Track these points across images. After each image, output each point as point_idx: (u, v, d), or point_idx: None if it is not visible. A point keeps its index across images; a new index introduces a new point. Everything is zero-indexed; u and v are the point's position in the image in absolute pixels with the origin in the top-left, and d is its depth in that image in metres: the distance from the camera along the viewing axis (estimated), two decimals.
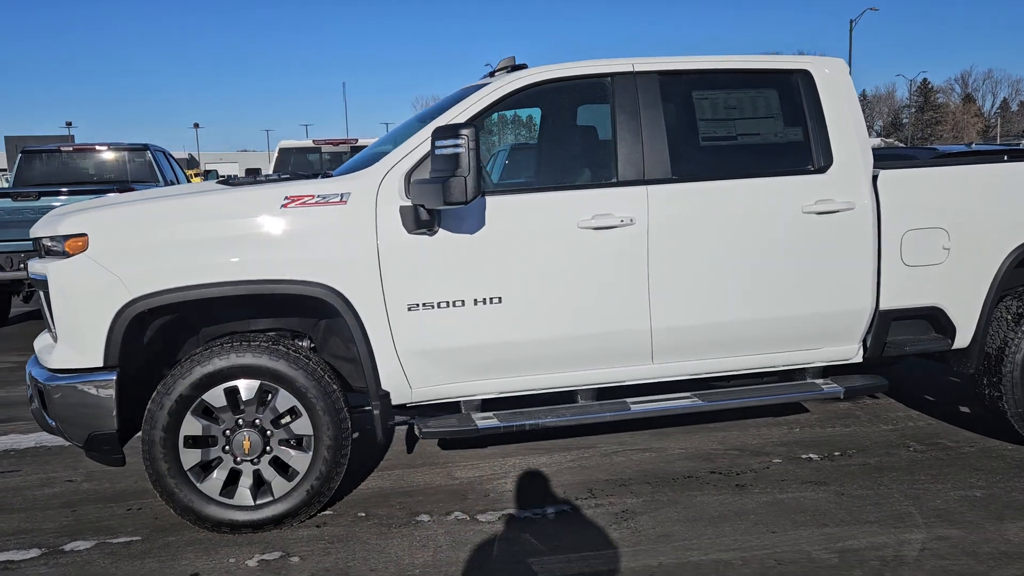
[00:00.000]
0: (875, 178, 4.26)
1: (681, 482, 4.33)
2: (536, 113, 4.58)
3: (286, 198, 3.76)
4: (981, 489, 4.12)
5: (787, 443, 4.88)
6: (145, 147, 11.68)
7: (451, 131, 3.50)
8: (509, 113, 5.03)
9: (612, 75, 4.14)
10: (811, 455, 4.66)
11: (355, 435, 4.26)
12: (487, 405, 4.25)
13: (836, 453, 4.68)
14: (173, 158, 13.04)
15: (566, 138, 4.49)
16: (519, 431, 4.21)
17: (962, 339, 4.47)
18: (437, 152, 3.56)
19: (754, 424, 5.22)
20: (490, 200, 3.90)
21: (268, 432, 3.82)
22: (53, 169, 11.52)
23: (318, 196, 3.79)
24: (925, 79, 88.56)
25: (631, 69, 4.14)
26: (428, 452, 4.94)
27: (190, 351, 3.99)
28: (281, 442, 3.84)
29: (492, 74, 4.40)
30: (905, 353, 4.44)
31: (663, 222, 4.02)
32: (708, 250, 4.08)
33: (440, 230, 3.82)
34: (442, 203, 3.52)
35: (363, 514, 4.07)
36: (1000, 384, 4.48)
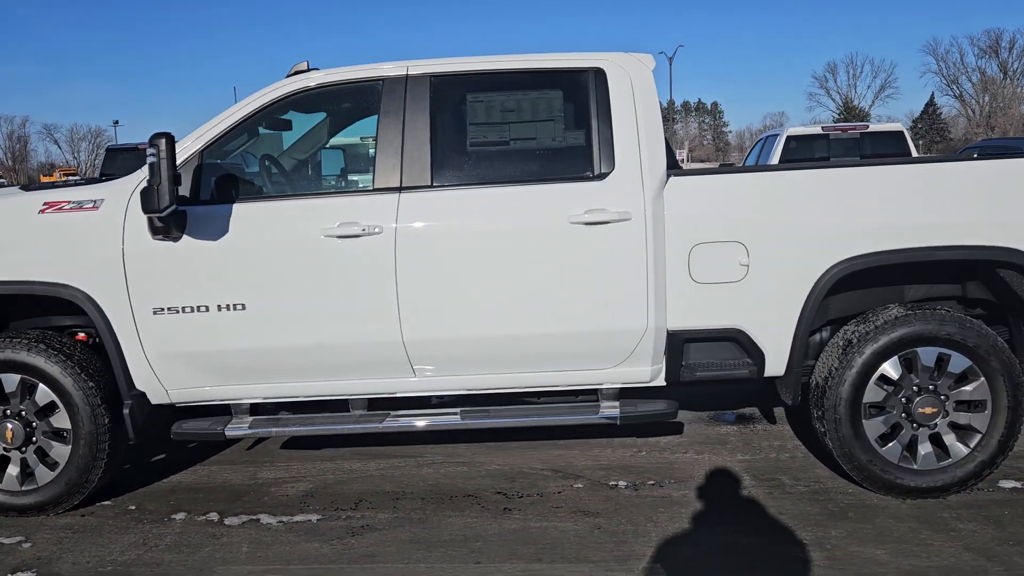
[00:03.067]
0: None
1: (455, 501, 4.16)
2: (311, 119, 4.52)
3: (44, 203, 3.98)
4: (752, 536, 3.67)
5: (611, 467, 4.55)
6: None
7: (152, 140, 3.57)
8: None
9: (383, 79, 4.03)
10: (621, 482, 4.33)
11: None
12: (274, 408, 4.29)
13: (650, 482, 4.32)
14: None
15: (331, 145, 4.42)
16: (295, 436, 4.21)
17: (774, 367, 3.99)
18: (147, 160, 3.64)
19: (602, 444, 4.89)
20: (237, 208, 3.93)
21: (33, 424, 4.06)
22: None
23: (73, 202, 3.97)
24: None
25: (404, 73, 4.02)
26: (263, 451, 5.03)
27: None
28: (45, 434, 4.08)
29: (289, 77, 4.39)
30: (698, 380, 4.01)
31: (413, 231, 3.87)
32: (463, 261, 3.89)
33: (185, 237, 3.89)
34: (143, 211, 3.59)
35: (134, 507, 4.24)
36: (823, 419, 3.97)
